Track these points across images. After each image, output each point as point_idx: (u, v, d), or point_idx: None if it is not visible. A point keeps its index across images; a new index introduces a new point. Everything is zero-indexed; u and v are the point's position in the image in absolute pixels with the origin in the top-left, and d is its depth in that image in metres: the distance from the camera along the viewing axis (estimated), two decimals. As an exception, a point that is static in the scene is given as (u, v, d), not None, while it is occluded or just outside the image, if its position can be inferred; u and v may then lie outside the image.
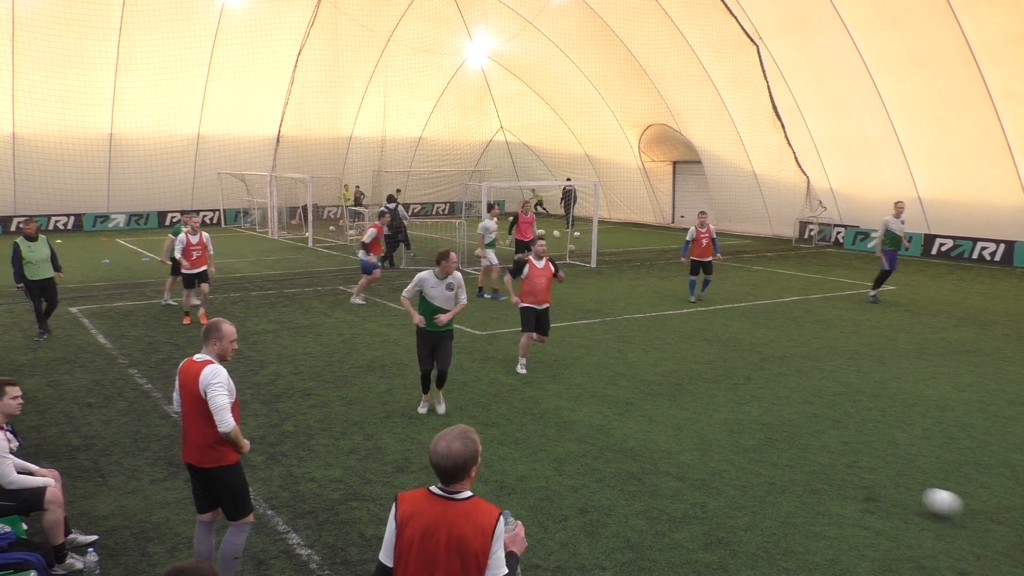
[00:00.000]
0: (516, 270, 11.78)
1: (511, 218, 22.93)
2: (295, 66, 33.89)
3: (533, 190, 41.53)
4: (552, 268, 11.80)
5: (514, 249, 21.24)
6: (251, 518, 5.76)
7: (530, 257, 11.78)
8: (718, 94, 31.21)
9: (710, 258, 17.67)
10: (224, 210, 35.96)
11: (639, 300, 17.98)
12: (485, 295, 18.32)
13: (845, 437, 9.19)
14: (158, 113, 32.60)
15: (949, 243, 26.31)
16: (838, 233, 30.01)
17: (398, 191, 32.41)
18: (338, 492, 7.54)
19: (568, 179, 35.90)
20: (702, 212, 18.57)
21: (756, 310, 17.07)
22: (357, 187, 37.47)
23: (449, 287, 9.41)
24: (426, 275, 9.35)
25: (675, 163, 37.67)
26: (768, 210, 32.64)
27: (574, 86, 36.65)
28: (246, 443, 5.59)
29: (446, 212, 42.47)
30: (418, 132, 40.66)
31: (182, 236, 14.96)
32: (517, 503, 7.24)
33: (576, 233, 30.11)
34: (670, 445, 8.87)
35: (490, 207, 19.52)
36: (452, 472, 3.41)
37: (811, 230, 30.76)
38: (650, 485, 7.77)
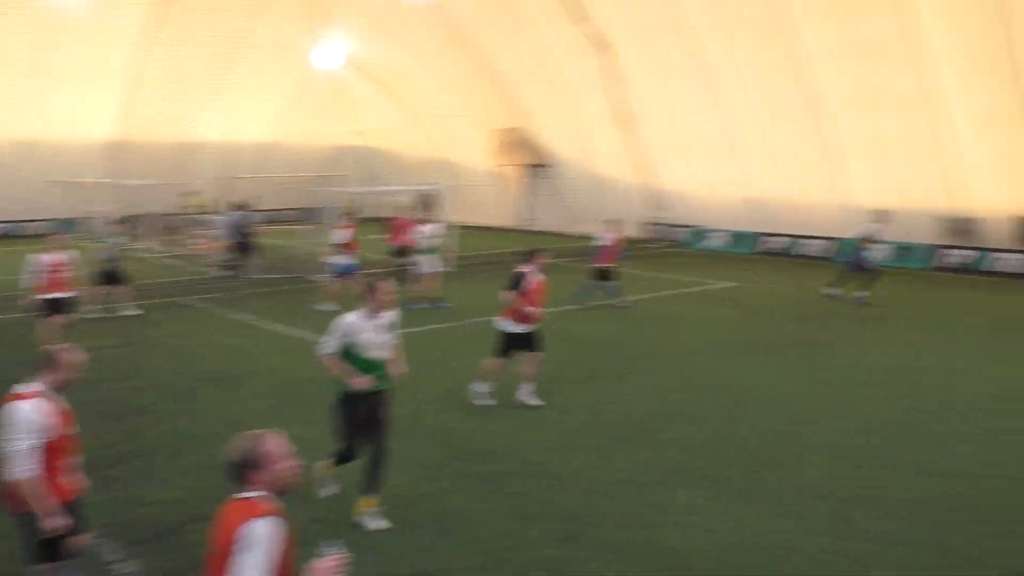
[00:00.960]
0: (515, 283, 10.23)
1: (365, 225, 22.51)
2: (136, 66, 32.14)
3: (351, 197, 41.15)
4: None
5: (391, 254, 20.38)
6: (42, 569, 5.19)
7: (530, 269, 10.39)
8: (570, 98, 31.93)
9: (614, 264, 17.77)
10: (58, 219, 33.68)
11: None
12: (423, 305, 17.18)
13: (693, 431, 9.60)
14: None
15: (781, 241, 27.87)
16: (681, 233, 31.27)
17: (248, 198, 31.35)
18: (178, 514, 7.19)
19: (424, 184, 35.74)
20: (611, 220, 18.67)
21: (604, 310, 17.53)
22: (204, 193, 35.96)
23: (390, 327, 7.31)
24: (353, 319, 7.07)
25: (527, 167, 38.21)
26: (614, 211, 33.62)
27: (430, 90, 36.59)
28: (47, 504, 4.92)
29: (299, 219, 41.41)
30: (268, 136, 39.50)
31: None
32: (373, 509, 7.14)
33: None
34: (528, 445, 8.99)
35: (426, 208, 18.70)
36: (232, 469, 3.41)
37: (655, 230, 31.91)
38: (506, 485, 7.85)
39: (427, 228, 17.80)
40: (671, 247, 30.82)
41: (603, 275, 17.76)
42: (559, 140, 34.00)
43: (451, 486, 7.82)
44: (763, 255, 27.77)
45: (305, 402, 10.37)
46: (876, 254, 19.23)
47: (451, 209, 24.77)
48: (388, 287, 7.19)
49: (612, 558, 6.40)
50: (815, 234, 27.05)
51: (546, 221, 37.10)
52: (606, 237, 17.88)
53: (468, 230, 37.16)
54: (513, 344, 10.32)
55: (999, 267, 22.89)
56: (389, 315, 7.25)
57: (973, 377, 11.94)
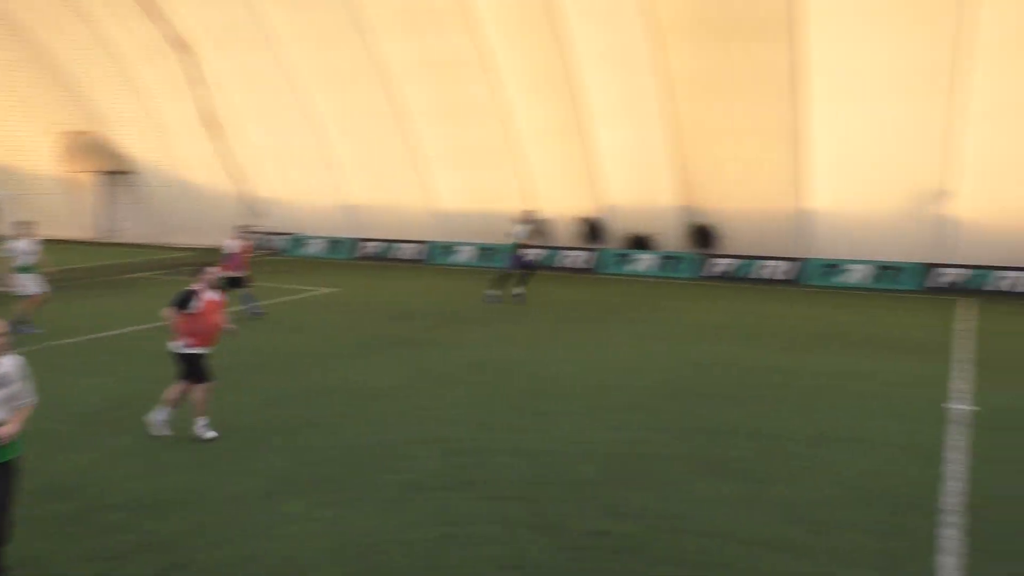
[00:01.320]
0: (182, 302, 9.38)
1: None
2: None
3: None
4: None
5: None
6: None
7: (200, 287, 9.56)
8: (151, 101, 29.87)
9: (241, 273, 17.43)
10: None
11: (80, 321, 16.32)
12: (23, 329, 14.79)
13: (296, 437, 9.54)
14: None
15: (378, 246, 28.83)
16: (279, 240, 30.92)
17: None
18: None
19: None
20: (242, 226, 18.42)
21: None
22: None
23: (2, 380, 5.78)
24: None
25: (108, 174, 35.00)
26: (208, 221, 32.25)
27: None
28: None
29: None
30: None
31: None
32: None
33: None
34: (113, 474, 8.27)
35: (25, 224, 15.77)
36: None
37: (254, 238, 31.13)
38: (95, 523, 7.15)
39: (20, 244, 15.42)
40: (270, 255, 30.32)
41: (233, 283, 17.12)
42: (141, 146, 31.65)
43: (32, 530, 6.92)
44: (361, 260, 28.48)
45: None
46: (534, 253, 20.37)
47: (15, 220, 21.82)
48: None
49: (222, 580, 6.17)
50: (409, 238, 28.41)
51: (133, 232, 34.38)
52: (234, 245, 17.67)
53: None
54: (193, 366, 9.43)
55: (568, 263, 25.96)
56: (6, 362, 5.80)
57: (557, 363, 13.47)
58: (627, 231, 25.45)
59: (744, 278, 23.48)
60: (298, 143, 28.47)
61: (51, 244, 17.04)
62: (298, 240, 30.41)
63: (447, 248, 27.69)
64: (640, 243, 25.57)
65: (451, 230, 27.96)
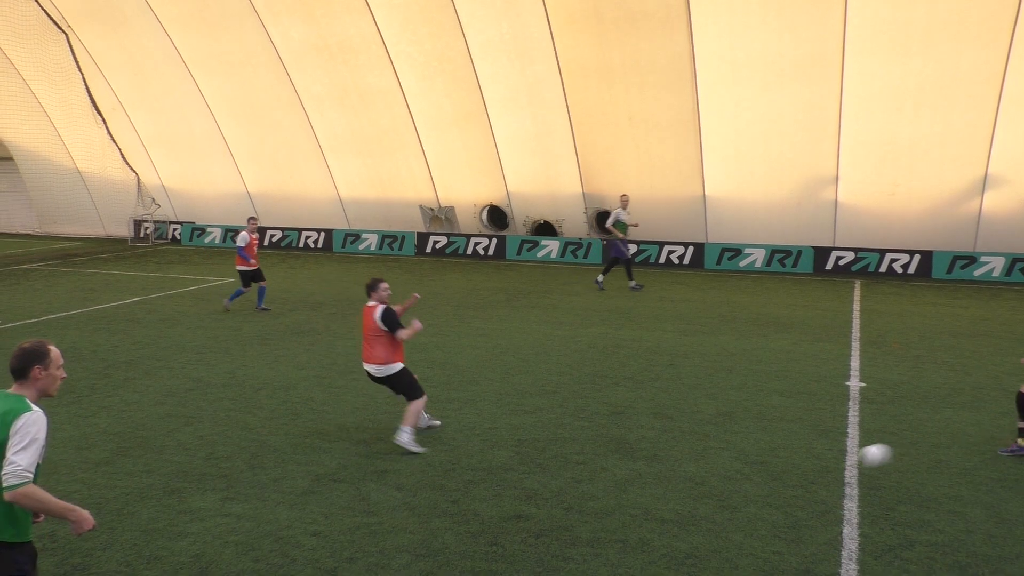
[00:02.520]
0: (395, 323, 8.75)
1: None
2: None
3: None
4: (378, 317, 8.70)
5: None
6: None
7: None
8: (26, 84, 28.30)
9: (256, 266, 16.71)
10: None
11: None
12: None
13: (200, 431, 9.25)
14: None
15: (279, 234, 28.19)
16: (175, 230, 29.88)
17: None
18: None
19: None
20: (252, 218, 17.20)
21: (94, 315, 16.06)
22: None
23: None
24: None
25: (-18, 160, 33.10)
26: (98, 209, 30.90)
27: None
28: None
29: None
30: None
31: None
32: None
33: None
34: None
35: None
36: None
37: (147, 228, 30.03)
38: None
39: None
40: (167, 244, 29.29)
41: (254, 277, 16.71)
42: (15, 130, 29.98)
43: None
44: (262, 249, 27.79)
45: None
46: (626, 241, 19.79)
47: None
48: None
49: (125, 582, 5.93)
50: (312, 226, 27.87)
51: (10, 222, 32.65)
52: (245, 237, 16.55)
53: (-94, 235, 31.17)
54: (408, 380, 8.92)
55: (472, 250, 25.94)
56: None
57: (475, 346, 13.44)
58: (531, 218, 25.60)
59: (645, 263, 23.94)
60: (190, 130, 27.51)
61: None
62: (195, 229, 29.44)
63: (353, 236, 27.29)
64: (544, 230, 25.78)
65: (355, 218, 27.57)
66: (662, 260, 24.02)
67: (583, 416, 9.92)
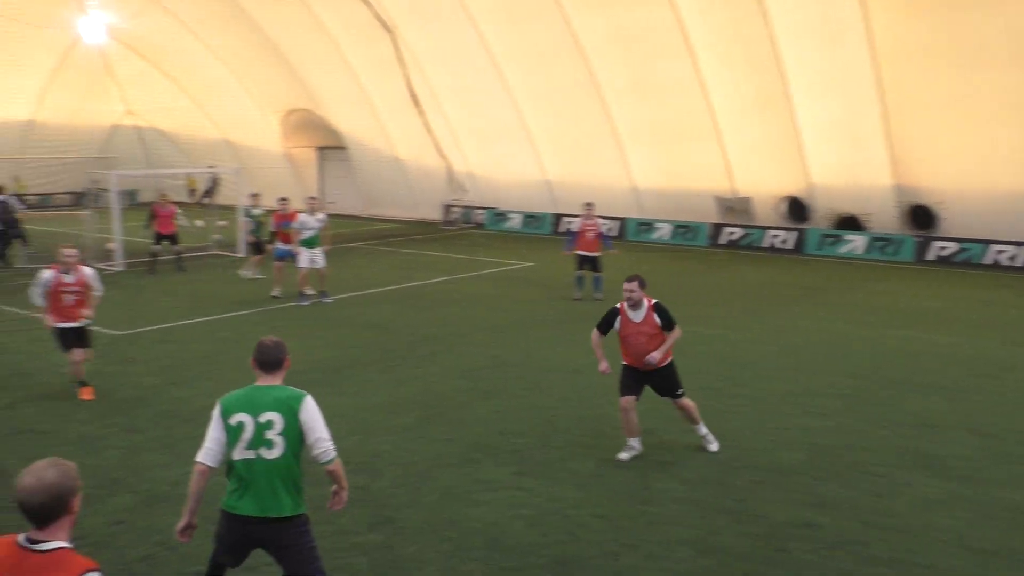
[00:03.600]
0: (605, 325, 8.21)
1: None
2: None
3: (190, 175, 38.86)
4: (657, 320, 8.00)
5: (153, 242, 19.79)
6: None
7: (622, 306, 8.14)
8: (358, 80, 31.41)
9: (597, 253, 16.42)
10: None
11: (291, 288, 17.56)
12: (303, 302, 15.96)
13: (496, 407, 9.79)
14: None
15: (574, 221, 28.97)
16: (479, 215, 31.76)
17: (8, 181, 28.48)
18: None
19: (211, 166, 34.02)
20: (588, 203, 17.10)
21: (407, 292, 17.53)
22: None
23: None
24: None
25: (320, 149, 37.32)
26: (414, 194, 33.63)
27: (208, 68, 34.70)
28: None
29: (71, 203, 38.24)
30: (27, 114, 36.06)
31: (48, 275, 9.80)
32: (171, 510, 6.76)
33: (222, 222, 28.73)
34: (336, 430, 8.80)
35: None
36: (42, 510, 2.79)
37: (455, 213, 32.22)
38: (311, 475, 7.65)
39: (307, 218, 16.10)
40: (471, 228, 31.23)
41: (591, 265, 16.53)
42: (351, 122, 33.44)
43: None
44: (558, 235, 28.74)
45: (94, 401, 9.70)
46: None
47: (241, 193, 23.73)
48: None
49: (430, 539, 6.44)
50: (606, 214, 28.34)
51: (342, 205, 36.46)
52: (582, 223, 16.63)
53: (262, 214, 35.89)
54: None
55: (769, 244, 24.96)
56: None
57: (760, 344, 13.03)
58: (834, 211, 24.10)
59: (968, 263, 21.62)
60: (495, 119, 28.97)
61: (266, 215, 18.33)
62: (498, 215, 31.11)
63: (645, 224, 27.40)
64: (849, 223, 24.16)
65: (647, 207, 27.62)
66: (988, 260, 21.55)
67: (884, 425, 9.20)
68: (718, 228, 26.00)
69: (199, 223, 30.43)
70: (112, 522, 6.75)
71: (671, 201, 26.89)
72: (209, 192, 33.88)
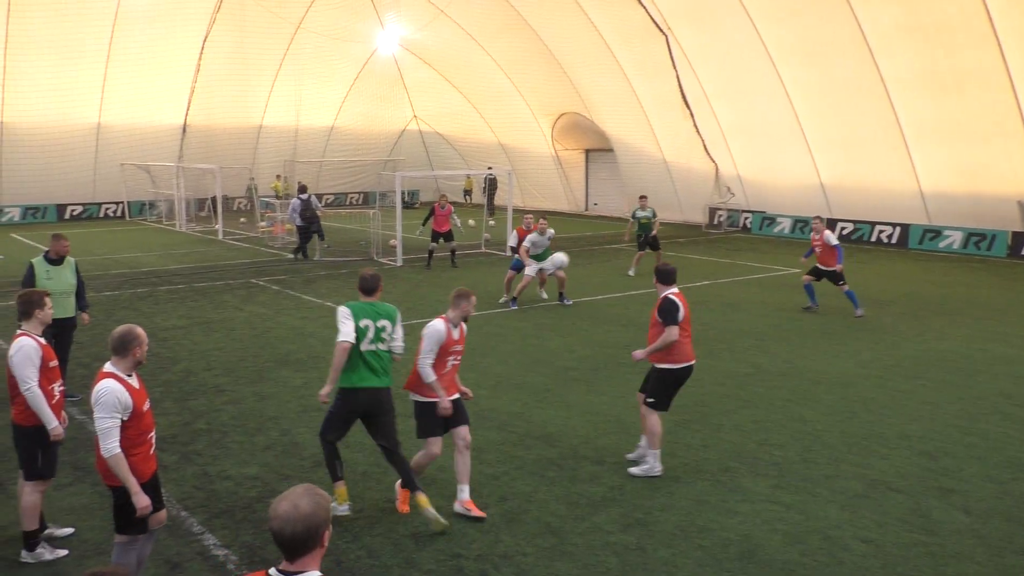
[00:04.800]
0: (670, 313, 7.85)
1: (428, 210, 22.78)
2: (201, 53, 32.90)
3: (468, 176, 41.35)
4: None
5: (430, 239, 21.24)
6: (123, 539, 5.37)
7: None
8: (628, 82, 31.62)
9: (833, 268, 15.40)
10: (128, 203, 34.75)
11: (554, 287, 18.07)
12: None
13: (755, 416, 9.48)
14: (54, 100, 31.11)
15: (849, 227, 27.30)
16: (746, 218, 30.82)
17: (310, 182, 31.81)
18: (255, 490, 7.40)
19: (489, 168, 35.87)
20: (816, 218, 16.20)
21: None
22: (284, 177, 36.60)
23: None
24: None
25: (587, 151, 38.05)
26: (679, 196, 33.30)
27: (487, 74, 36.60)
28: (133, 482, 5.12)
29: (360, 202, 41.99)
30: (330, 121, 40.03)
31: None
32: (436, 493, 7.23)
33: (491, 222, 30.18)
34: (588, 430, 8.99)
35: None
36: (297, 541, 2.70)
37: (720, 216, 31.51)
38: (569, 470, 7.86)
39: (537, 237, 16.29)
40: (737, 232, 30.42)
41: (830, 278, 15.58)
42: (618, 124, 33.72)
43: (514, 470, 7.87)
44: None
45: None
46: None
47: (514, 194, 24.77)
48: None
49: (683, 545, 6.37)
50: (887, 220, 26.44)
51: (606, 206, 36.90)
52: (823, 236, 15.54)
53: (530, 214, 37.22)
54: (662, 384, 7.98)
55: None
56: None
57: (1052, 368, 11.58)
58: None
59: None
60: (767, 119, 27.95)
61: (542, 217, 18.96)
62: (765, 219, 30.02)
63: (932, 232, 25.20)
64: None
65: (937, 212, 25.35)
66: None
67: None
68: (1020, 237, 23.31)
69: (471, 222, 32.19)
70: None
71: (964, 206, 24.48)
72: (491, 192, 35.53)
